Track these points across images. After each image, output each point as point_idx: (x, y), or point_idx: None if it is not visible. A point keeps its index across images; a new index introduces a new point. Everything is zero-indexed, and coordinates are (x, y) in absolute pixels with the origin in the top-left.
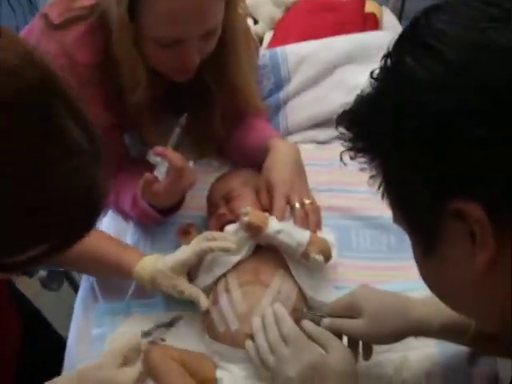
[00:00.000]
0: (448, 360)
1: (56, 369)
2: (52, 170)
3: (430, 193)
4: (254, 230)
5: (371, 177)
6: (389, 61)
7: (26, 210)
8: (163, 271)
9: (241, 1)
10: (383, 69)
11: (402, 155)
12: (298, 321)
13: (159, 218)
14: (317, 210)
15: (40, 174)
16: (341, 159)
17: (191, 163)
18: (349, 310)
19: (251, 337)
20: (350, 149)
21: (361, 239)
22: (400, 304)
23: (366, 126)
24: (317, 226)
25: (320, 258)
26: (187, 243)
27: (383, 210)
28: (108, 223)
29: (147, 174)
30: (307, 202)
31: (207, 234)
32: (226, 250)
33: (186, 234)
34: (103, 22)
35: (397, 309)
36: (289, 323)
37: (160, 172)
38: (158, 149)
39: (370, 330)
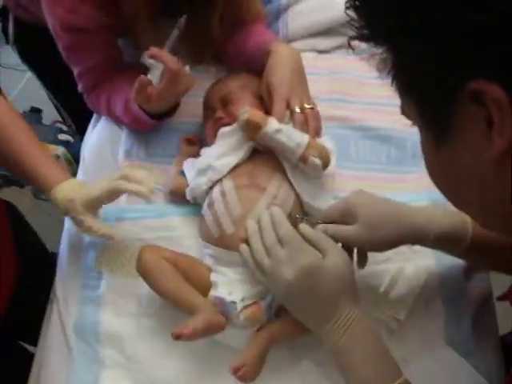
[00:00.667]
0: (445, 272)
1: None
2: None
3: (446, 75)
4: (252, 127)
5: (381, 60)
6: None
7: None
8: (73, 204)
9: None
10: None
11: (416, 37)
12: (293, 226)
13: (151, 122)
14: (317, 115)
15: None
16: (349, 45)
17: (187, 68)
18: (343, 215)
19: (246, 241)
20: (357, 36)
21: (360, 149)
22: (396, 210)
23: (373, 7)
24: (316, 132)
25: (318, 161)
26: (185, 153)
27: (383, 121)
28: (101, 130)
29: (142, 77)
30: (307, 106)
31: (126, 171)
32: (139, 194)
33: (189, 143)
34: None
35: (393, 215)
36: (286, 225)
37: (154, 75)
38: (154, 50)
39: (364, 235)
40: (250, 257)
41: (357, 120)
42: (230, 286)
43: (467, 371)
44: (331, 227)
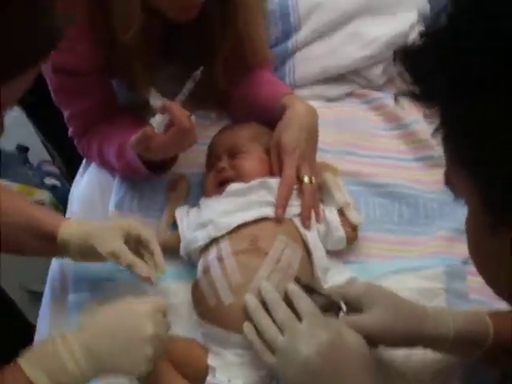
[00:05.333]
0: None
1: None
2: None
3: None
4: None
5: (435, 130)
6: None
7: None
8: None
9: None
10: None
11: (487, 101)
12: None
13: (146, 172)
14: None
15: None
16: (395, 100)
17: (193, 118)
18: (358, 302)
19: (247, 316)
20: (406, 92)
21: (370, 208)
22: (416, 310)
23: (436, 71)
24: (310, 211)
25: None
26: (173, 198)
27: (395, 177)
28: (90, 176)
29: (148, 128)
30: (314, 179)
31: (132, 227)
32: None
33: (173, 187)
34: None
35: (412, 313)
36: (305, 299)
37: (157, 122)
38: (167, 103)
39: (380, 327)
40: (256, 336)
41: (367, 175)
42: (229, 371)
43: None
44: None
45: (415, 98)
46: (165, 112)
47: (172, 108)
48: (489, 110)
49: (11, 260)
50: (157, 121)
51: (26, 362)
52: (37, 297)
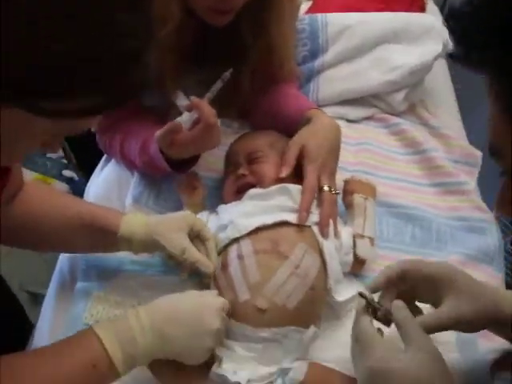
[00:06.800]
0: (470, 368)
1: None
2: (112, 26)
3: None
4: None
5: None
6: None
7: (80, 55)
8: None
9: None
10: None
11: None
12: (314, 300)
13: (167, 169)
14: (336, 202)
15: (101, 24)
16: (450, 57)
17: (219, 122)
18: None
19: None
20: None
21: (383, 227)
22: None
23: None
24: (329, 220)
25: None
26: (190, 201)
27: (409, 200)
28: (109, 172)
29: (174, 122)
30: (334, 191)
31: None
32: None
33: (191, 189)
34: None
35: (488, 297)
36: (362, 320)
37: (184, 120)
38: (195, 100)
39: (457, 317)
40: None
41: (384, 195)
42: (235, 362)
43: None
44: (421, 319)
45: (466, 60)
46: (192, 110)
47: (200, 105)
48: None
49: (11, 261)
50: (183, 119)
51: (103, 331)
52: (36, 299)
